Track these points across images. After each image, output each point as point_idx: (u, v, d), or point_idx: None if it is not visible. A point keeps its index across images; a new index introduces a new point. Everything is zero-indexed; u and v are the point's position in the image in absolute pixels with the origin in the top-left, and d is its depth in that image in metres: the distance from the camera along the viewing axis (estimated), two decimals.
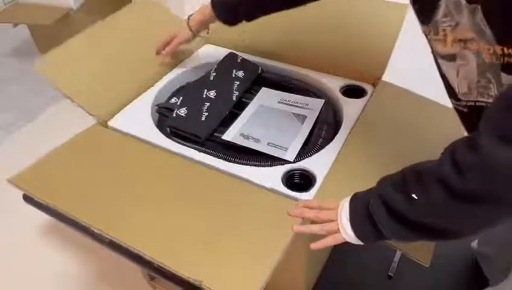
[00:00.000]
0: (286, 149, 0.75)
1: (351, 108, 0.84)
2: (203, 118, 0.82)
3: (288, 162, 0.73)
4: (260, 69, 0.96)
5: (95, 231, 0.61)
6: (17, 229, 1.52)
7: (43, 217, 1.22)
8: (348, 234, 0.55)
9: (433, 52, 0.52)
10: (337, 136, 0.78)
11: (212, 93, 0.87)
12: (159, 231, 0.62)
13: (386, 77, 0.90)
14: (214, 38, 1.07)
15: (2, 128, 2.00)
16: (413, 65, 1.37)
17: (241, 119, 0.84)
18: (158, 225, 0.63)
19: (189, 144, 0.78)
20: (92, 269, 1.38)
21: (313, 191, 0.67)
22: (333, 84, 0.91)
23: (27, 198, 1.17)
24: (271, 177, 0.70)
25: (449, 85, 0.53)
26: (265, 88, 0.93)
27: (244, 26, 1.04)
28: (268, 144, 0.77)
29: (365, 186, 0.66)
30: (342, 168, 0.70)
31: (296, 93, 0.93)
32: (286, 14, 1.00)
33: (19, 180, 0.68)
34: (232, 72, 0.93)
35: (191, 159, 0.75)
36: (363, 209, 0.54)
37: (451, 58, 0.48)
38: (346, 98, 0.87)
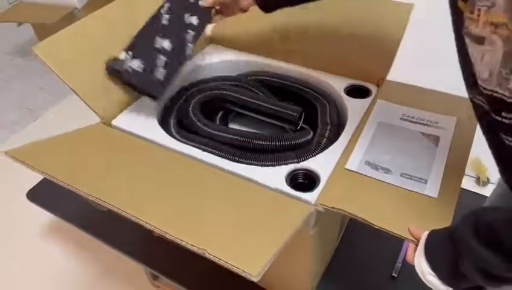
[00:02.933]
0: (425, 181, 0.66)
1: (355, 108, 0.84)
2: (159, 75, 0.78)
3: (431, 197, 0.64)
4: (212, 12, 0.89)
5: (93, 199, 0.59)
6: (20, 228, 1.53)
7: (45, 216, 1.23)
8: (432, 284, 0.54)
9: (464, 32, 0.49)
10: (341, 136, 0.77)
11: (166, 44, 0.81)
12: (161, 207, 0.61)
13: (390, 77, 0.90)
14: (219, 38, 1.07)
15: (6, 128, 2.01)
16: (418, 65, 1.36)
17: (362, 142, 0.74)
18: (160, 202, 0.62)
19: (193, 143, 0.78)
20: (93, 268, 1.38)
21: (317, 191, 0.66)
22: (337, 84, 0.91)
23: (31, 196, 1.18)
24: (274, 176, 0.69)
25: (470, 70, 0.50)
26: (381, 101, 0.84)
27: (248, 26, 1.04)
28: (401, 175, 0.68)
29: (368, 189, 0.67)
30: (346, 170, 0.70)
31: (301, 93, 0.93)
32: (289, 14, 1.00)
33: (15, 153, 0.67)
34: (184, 16, 0.86)
35: (194, 158, 0.75)
36: (452, 269, 0.52)
37: (480, 41, 0.46)
38: (350, 98, 0.87)
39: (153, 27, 0.83)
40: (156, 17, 0.86)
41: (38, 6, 2.22)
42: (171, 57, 0.80)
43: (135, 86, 0.76)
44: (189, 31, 0.84)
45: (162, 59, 0.78)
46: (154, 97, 0.76)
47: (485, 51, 0.46)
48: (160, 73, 0.77)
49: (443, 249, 0.53)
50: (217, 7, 0.89)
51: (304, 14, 0.97)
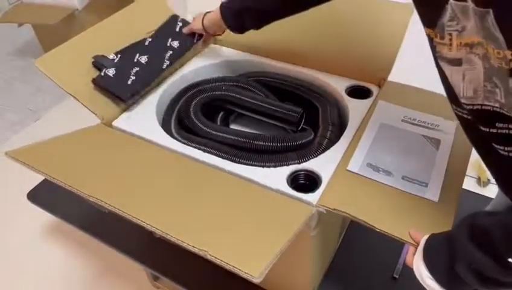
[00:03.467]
0: (426, 185, 0.66)
1: (356, 109, 0.84)
2: (129, 82, 0.84)
3: (432, 201, 0.64)
4: (195, 39, 0.97)
5: (94, 201, 0.59)
6: (20, 229, 1.53)
7: (46, 217, 1.23)
8: (431, 288, 0.54)
9: (436, 55, 0.51)
10: (343, 137, 0.77)
11: (143, 59, 0.88)
12: (162, 208, 0.61)
13: (391, 78, 0.89)
14: (219, 39, 1.07)
15: (7, 128, 2.01)
16: (419, 66, 1.36)
17: (364, 144, 0.75)
18: (161, 203, 0.62)
19: (194, 144, 0.78)
20: (94, 269, 1.38)
21: (318, 192, 0.66)
22: (338, 84, 0.90)
23: (31, 197, 1.18)
24: (276, 177, 0.69)
25: (451, 90, 0.51)
26: (382, 101, 0.84)
27: None
28: (402, 178, 0.68)
29: (370, 191, 0.67)
30: (347, 171, 0.70)
31: (302, 94, 0.93)
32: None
33: (16, 154, 0.67)
34: (168, 40, 0.94)
35: (195, 159, 0.74)
36: (449, 272, 0.52)
37: (457, 62, 0.47)
38: (351, 98, 0.87)
39: (136, 47, 0.91)
40: (142, 40, 0.94)
41: (39, 7, 2.22)
42: (144, 68, 0.87)
43: (104, 88, 0.82)
44: (169, 51, 0.93)
45: (134, 69, 0.86)
46: (120, 98, 0.83)
47: (465, 70, 0.46)
48: (130, 80, 0.84)
49: (441, 252, 0.53)
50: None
51: (305, 15, 0.97)
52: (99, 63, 0.86)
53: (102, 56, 0.88)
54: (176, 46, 0.94)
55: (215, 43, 1.08)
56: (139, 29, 0.96)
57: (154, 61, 0.89)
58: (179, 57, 0.94)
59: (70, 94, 0.80)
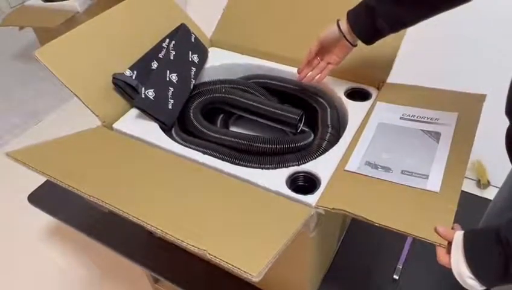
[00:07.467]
0: (426, 177, 0.65)
1: (355, 111, 0.84)
2: (169, 106, 0.86)
3: (432, 191, 0.63)
4: (208, 52, 1.02)
5: (94, 200, 0.60)
6: (21, 231, 1.53)
7: (47, 219, 1.24)
8: (472, 287, 0.53)
9: None
10: (342, 138, 0.78)
11: (174, 77, 0.89)
12: (162, 208, 0.61)
13: (390, 80, 0.90)
14: (219, 41, 1.08)
15: (8, 131, 2.02)
16: (418, 67, 1.36)
17: (362, 143, 0.74)
18: (161, 203, 0.62)
19: (193, 146, 0.79)
20: (94, 272, 1.39)
21: (317, 193, 0.67)
22: (338, 87, 0.91)
23: (32, 199, 1.18)
24: (275, 179, 0.70)
25: None
26: (381, 102, 0.84)
27: (248, 29, 1.04)
28: (402, 172, 0.67)
29: (369, 188, 0.67)
30: (346, 171, 0.70)
31: (301, 96, 0.93)
32: (290, 17, 1.00)
33: (16, 154, 0.67)
34: (189, 54, 0.95)
35: (195, 161, 0.75)
36: (500, 272, 0.50)
37: None
38: (350, 101, 0.87)
39: (164, 62, 0.91)
40: (161, 48, 0.94)
41: (40, 10, 2.23)
42: (177, 89, 0.88)
43: (147, 112, 0.83)
44: (192, 68, 0.94)
45: (170, 90, 0.87)
46: (164, 124, 0.84)
47: None
48: (169, 103, 0.86)
49: (489, 252, 0.51)
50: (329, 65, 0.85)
51: (305, 18, 0.98)
52: (123, 82, 0.85)
53: (122, 76, 0.86)
54: (196, 61, 0.95)
55: (214, 46, 1.09)
56: (140, 20, 0.96)
57: (184, 81, 0.91)
58: (199, 73, 0.96)
59: (71, 90, 0.80)
